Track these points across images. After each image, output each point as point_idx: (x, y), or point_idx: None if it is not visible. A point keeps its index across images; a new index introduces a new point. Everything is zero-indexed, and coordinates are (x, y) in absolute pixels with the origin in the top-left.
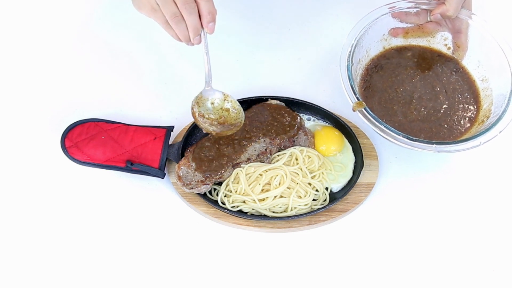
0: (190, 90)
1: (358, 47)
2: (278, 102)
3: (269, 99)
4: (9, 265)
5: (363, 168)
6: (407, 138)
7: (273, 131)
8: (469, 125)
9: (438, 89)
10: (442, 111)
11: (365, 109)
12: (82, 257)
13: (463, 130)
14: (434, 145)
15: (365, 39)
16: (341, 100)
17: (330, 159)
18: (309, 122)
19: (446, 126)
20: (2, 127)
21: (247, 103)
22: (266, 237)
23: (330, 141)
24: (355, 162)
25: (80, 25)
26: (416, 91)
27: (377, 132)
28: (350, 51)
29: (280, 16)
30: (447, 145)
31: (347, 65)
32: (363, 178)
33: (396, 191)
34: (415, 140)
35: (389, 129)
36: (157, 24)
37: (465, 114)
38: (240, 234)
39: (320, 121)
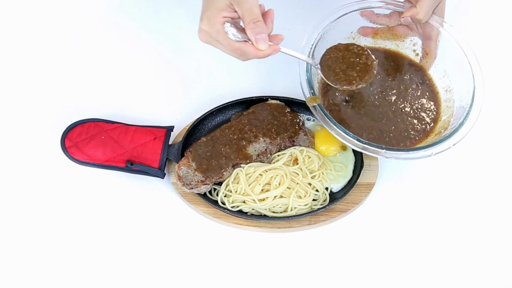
0: (190, 90)
1: (322, 41)
2: (278, 102)
3: (269, 99)
4: (9, 265)
5: (363, 168)
6: (356, 140)
7: (273, 130)
8: (422, 135)
9: (399, 94)
10: (399, 118)
11: (318, 105)
12: (82, 257)
13: (417, 139)
14: (384, 150)
15: (330, 34)
16: None
17: (330, 159)
18: (309, 122)
19: (397, 132)
20: (2, 127)
21: (247, 103)
22: (266, 237)
23: (330, 141)
24: (355, 162)
25: (80, 25)
26: (378, 93)
27: (328, 129)
28: (312, 45)
29: (280, 16)
30: (397, 152)
31: (308, 54)
32: (363, 178)
33: (396, 191)
34: (365, 143)
35: (339, 128)
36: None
37: (421, 125)
38: (240, 234)
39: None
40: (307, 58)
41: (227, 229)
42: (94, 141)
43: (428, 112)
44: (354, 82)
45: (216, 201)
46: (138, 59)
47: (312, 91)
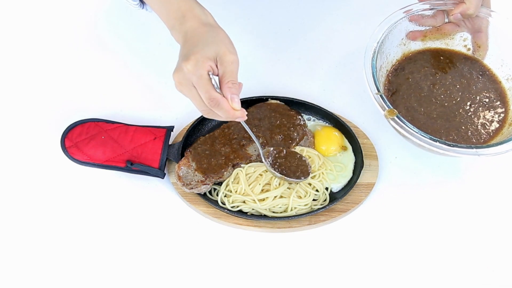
0: None
1: (380, 53)
2: (278, 102)
3: (269, 99)
4: (9, 265)
5: (363, 168)
6: (444, 144)
7: (273, 130)
8: (498, 126)
9: (463, 91)
10: (468, 113)
11: (397, 116)
12: (82, 257)
13: (491, 133)
14: (474, 149)
15: (385, 44)
16: (341, 100)
17: (330, 159)
18: (309, 122)
19: (473, 127)
20: (2, 127)
21: (247, 103)
22: (266, 237)
23: (330, 141)
24: (355, 162)
25: (81, 26)
26: (442, 93)
27: (410, 140)
28: (373, 57)
29: (281, 16)
30: (487, 149)
31: (372, 72)
32: (363, 178)
33: (396, 191)
34: (453, 146)
35: (425, 136)
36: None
37: (493, 116)
38: (240, 234)
39: (320, 121)
40: (257, 141)
41: (227, 229)
42: (94, 141)
43: (496, 102)
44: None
45: (216, 201)
46: (138, 59)
47: (387, 104)
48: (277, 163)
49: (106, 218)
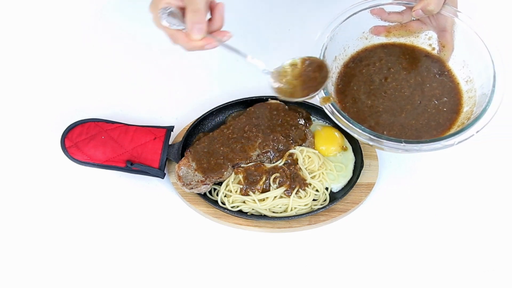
0: (190, 90)
1: (332, 42)
2: (278, 102)
3: (269, 99)
4: (9, 265)
5: (363, 168)
6: (373, 135)
7: (273, 130)
8: (446, 127)
9: (416, 88)
10: (419, 111)
11: (332, 104)
12: (82, 257)
13: (439, 132)
14: (403, 144)
15: (341, 35)
16: None
17: (330, 159)
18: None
19: (419, 125)
20: (2, 127)
21: (247, 103)
22: (266, 237)
23: (330, 141)
24: (355, 162)
25: (81, 26)
26: (393, 87)
27: (343, 128)
28: (322, 47)
29: (280, 16)
30: (418, 144)
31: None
32: (363, 178)
33: (396, 191)
34: (382, 137)
35: (354, 124)
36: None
37: (442, 116)
38: (240, 234)
39: (320, 121)
40: (252, 59)
41: (227, 229)
42: (94, 141)
43: (449, 103)
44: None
45: (216, 201)
46: (138, 59)
47: (325, 91)
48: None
49: (106, 218)
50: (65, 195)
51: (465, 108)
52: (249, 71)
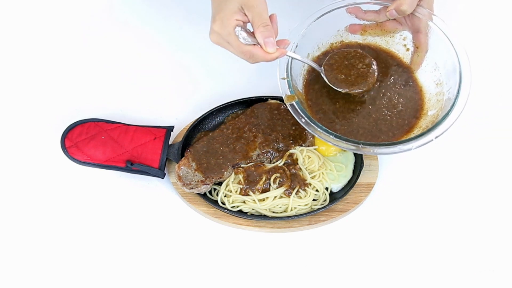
0: (191, 90)
1: (305, 39)
2: (278, 102)
3: (269, 99)
4: (9, 265)
5: (363, 168)
6: (332, 135)
7: (273, 130)
8: (401, 131)
9: (383, 93)
10: (376, 115)
11: (296, 102)
12: (82, 257)
13: (395, 135)
14: (361, 145)
15: (315, 32)
16: None
17: (330, 159)
18: None
19: (378, 128)
20: (2, 127)
21: (247, 103)
22: (266, 237)
23: None
24: (355, 162)
25: (81, 26)
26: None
27: (303, 126)
28: (294, 42)
29: (280, 16)
30: (375, 147)
31: (288, 58)
32: (363, 178)
33: (396, 191)
34: (340, 138)
35: (314, 124)
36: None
37: (402, 120)
38: (240, 234)
39: None
40: (311, 62)
41: (227, 229)
42: (94, 141)
43: (409, 109)
44: (355, 86)
45: (216, 201)
46: (138, 59)
47: (290, 89)
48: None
49: (106, 218)
50: (65, 195)
51: (430, 112)
52: (249, 71)
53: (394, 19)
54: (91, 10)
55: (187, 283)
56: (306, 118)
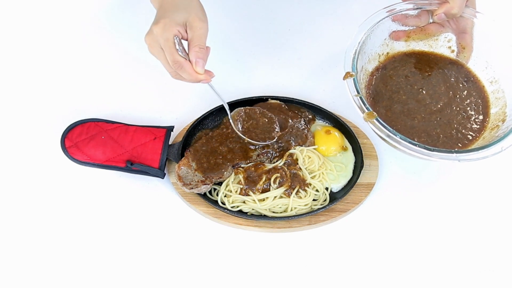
0: (190, 90)
1: (361, 54)
2: (278, 102)
3: (269, 99)
4: (9, 265)
5: (363, 168)
6: (424, 148)
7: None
8: (477, 132)
9: (446, 95)
10: (449, 118)
11: (376, 119)
12: (82, 257)
13: (472, 138)
14: (455, 154)
15: (367, 45)
16: (341, 100)
17: (330, 159)
18: None
19: (453, 132)
20: (2, 127)
21: (247, 103)
22: (266, 237)
23: (330, 141)
24: (355, 162)
25: (81, 26)
26: (423, 97)
27: (390, 143)
28: (353, 59)
29: (280, 16)
30: (468, 153)
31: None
32: (363, 178)
33: (396, 191)
34: (433, 150)
35: (405, 140)
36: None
37: (473, 121)
38: (240, 234)
39: (320, 121)
40: (224, 103)
41: (227, 229)
42: (94, 141)
43: (478, 108)
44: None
45: (216, 201)
46: (138, 59)
47: (366, 107)
48: (245, 126)
49: (106, 218)
50: (65, 195)
51: (493, 110)
52: (249, 71)
53: (438, 22)
54: (91, 10)
55: (187, 283)
56: (393, 134)
